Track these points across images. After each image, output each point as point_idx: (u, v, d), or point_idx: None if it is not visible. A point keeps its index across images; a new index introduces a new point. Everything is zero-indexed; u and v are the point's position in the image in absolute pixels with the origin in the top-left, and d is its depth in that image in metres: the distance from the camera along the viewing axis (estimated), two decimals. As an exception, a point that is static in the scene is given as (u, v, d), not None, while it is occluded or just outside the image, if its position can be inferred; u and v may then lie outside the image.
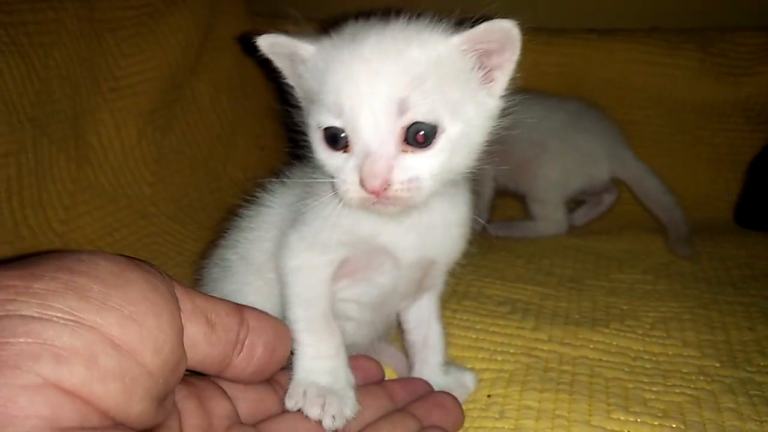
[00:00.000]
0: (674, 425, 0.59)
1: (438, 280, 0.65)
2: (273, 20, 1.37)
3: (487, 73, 0.52)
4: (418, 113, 0.48)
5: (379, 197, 0.49)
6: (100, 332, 0.33)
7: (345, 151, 0.51)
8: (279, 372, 0.52)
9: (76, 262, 0.35)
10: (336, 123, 0.50)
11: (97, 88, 0.98)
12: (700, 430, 0.59)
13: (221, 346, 0.44)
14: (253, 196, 0.68)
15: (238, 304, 0.47)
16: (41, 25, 0.88)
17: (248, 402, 0.50)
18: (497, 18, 0.50)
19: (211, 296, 0.45)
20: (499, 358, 0.71)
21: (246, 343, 0.46)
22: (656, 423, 0.60)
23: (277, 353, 0.49)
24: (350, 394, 0.53)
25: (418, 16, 0.52)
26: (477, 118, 0.52)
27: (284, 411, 0.52)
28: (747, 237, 1.09)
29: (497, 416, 0.61)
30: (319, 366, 0.53)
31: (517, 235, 1.12)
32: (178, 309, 0.39)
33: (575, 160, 1.11)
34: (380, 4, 0.56)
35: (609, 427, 0.59)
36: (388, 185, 0.48)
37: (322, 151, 0.52)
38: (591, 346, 0.73)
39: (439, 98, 0.49)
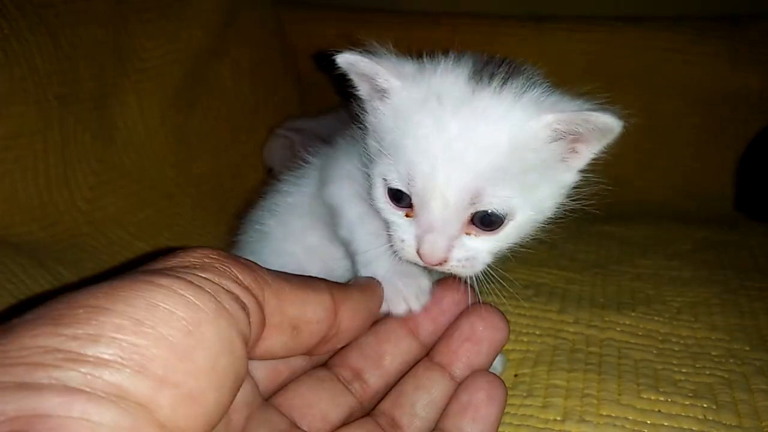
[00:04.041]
0: (705, 405, 0.59)
1: None
2: (294, 8, 1.38)
3: (570, 145, 0.48)
4: (491, 204, 0.46)
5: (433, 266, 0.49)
6: (149, 411, 0.30)
7: (407, 215, 0.49)
8: None
9: (146, 311, 0.31)
10: (404, 189, 0.48)
11: (122, 69, 0.98)
12: (732, 410, 0.58)
13: (301, 348, 0.42)
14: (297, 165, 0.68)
15: (335, 297, 0.43)
16: (69, 5, 0.89)
17: (265, 369, 0.48)
18: (603, 102, 0.47)
19: (308, 296, 0.42)
20: (525, 339, 0.71)
21: (331, 340, 0.44)
22: (687, 403, 0.59)
23: (362, 333, 0.48)
24: (420, 270, 0.52)
25: (512, 71, 0.47)
26: (550, 198, 0.50)
27: (305, 370, 0.50)
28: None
29: (525, 394, 0.61)
30: (383, 256, 0.53)
31: None
32: (245, 358, 0.35)
33: None
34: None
35: (639, 406, 0.59)
36: (446, 261, 0.48)
37: (381, 202, 0.50)
38: (618, 329, 0.73)
39: (516, 186, 0.46)
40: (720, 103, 1.19)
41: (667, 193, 1.18)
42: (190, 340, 0.32)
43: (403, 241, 0.49)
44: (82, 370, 0.29)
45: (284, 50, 1.35)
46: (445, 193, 0.46)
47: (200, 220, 1.04)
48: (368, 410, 0.50)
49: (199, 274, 0.35)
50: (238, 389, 0.35)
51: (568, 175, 0.50)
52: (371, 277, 0.52)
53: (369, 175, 0.52)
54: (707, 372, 0.64)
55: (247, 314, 0.36)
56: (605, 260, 0.93)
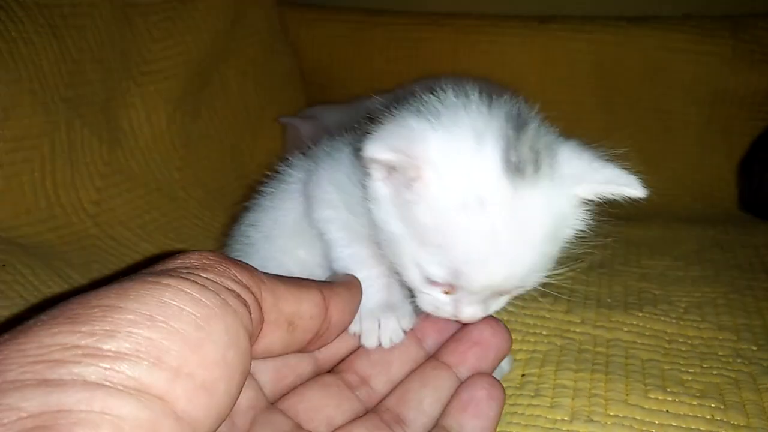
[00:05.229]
0: (713, 405, 0.59)
1: None
2: (298, 9, 1.39)
3: None
4: (533, 283, 0.48)
5: None
6: (166, 403, 0.31)
7: (446, 291, 0.49)
8: None
9: (158, 308, 0.32)
10: (447, 281, 0.47)
11: (128, 72, 0.99)
12: (739, 410, 0.58)
13: (296, 345, 0.43)
14: (275, 173, 0.68)
15: (324, 294, 0.45)
16: (76, 8, 0.89)
17: (269, 372, 0.49)
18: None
19: (301, 294, 0.43)
20: (532, 340, 0.71)
21: (323, 335, 0.45)
22: (695, 403, 0.59)
23: (347, 326, 0.49)
24: (407, 307, 0.53)
25: (535, 140, 0.46)
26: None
27: (315, 373, 0.51)
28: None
29: (533, 394, 0.61)
30: (372, 288, 0.54)
31: None
32: (250, 352, 0.36)
33: None
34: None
35: (647, 406, 0.59)
36: None
37: (415, 282, 0.49)
38: (625, 329, 0.73)
39: (552, 256, 0.47)
40: (725, 102, 1.19)
41: (673, 193, 1.18)
42: (201, 334, 0.33)
43: (437, 308, 0.50)
44: (102, 365, 0.29)
45: (289, 51, 1.36)
46: (496, 288, 0.47)
47: (206, 221, 1.04)
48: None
49: (202, 274, 0.36)
50: (244, 382, 0.36)
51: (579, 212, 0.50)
52: (349, 275, 0.53)
53: (386, 252, 0.50)
54: (714, 372, 0.64)
55: (249, 311, 0.37)
56: (611, 261, 0.93)
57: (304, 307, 0.43)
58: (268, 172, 0.69)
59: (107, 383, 0.29)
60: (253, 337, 0.38)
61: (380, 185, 0.48)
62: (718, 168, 1.19)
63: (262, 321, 0.39)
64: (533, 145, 0.45)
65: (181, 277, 0.35)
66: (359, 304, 0.50)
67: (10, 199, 0.78)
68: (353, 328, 0.52)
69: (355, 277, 0.52)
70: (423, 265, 0.47)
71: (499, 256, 0.44)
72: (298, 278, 0.46)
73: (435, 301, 0.49)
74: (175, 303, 0.33)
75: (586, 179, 0.46)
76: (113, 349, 0.30)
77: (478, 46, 1.28)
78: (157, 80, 1.02)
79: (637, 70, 1.21)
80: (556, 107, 1.35)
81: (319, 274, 0.61)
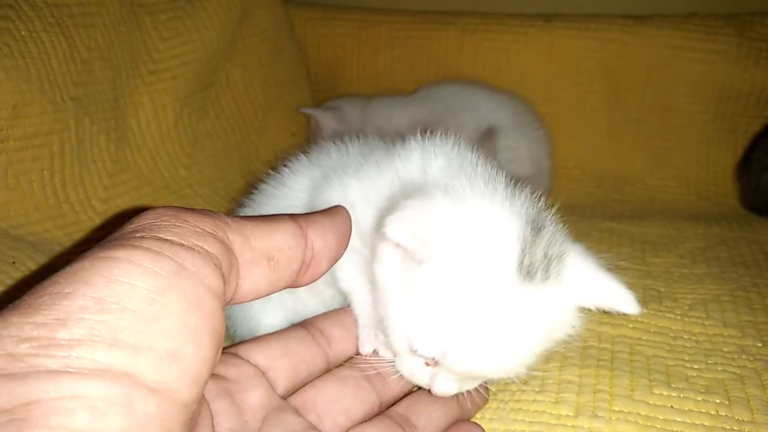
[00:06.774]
0: (718, 401, 0.59)
1: None
2: (304, 7, 1.39)
3: None
4: (510, 376, 0.49)
5: None
6: (134, 377, 0.30)
7: (427, 364, 0.49)
8: (320, 320, 0.54)
9: (108, 288, 0.32)
10: (432, 357, 0.47)
11: (136, 71, 0.99)
12: (744, 405, 0.59)
13: (285, 279, 0.43)
14: (275, 173, 0.68)
15: (300, 222, 0.44)
16: (84, 7, 0.90)
17: (284, 368, 0.49)
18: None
19: (273, 227, 0.42)
20: (537, 336, 0.71)
21: (311, 263, 0.44)
22: (700, 398, 0.59)
23: (339, 254, 0.48)
24: None
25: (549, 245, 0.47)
26: None
27: (325, 369, 0.52)
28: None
29: (537, 390, 0.62)
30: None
31: None
32: (218, 310, 0.36)
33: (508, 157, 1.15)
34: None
35: (652, 402, 0.59)
36: None
37: (398, 347, 0.49)
38: (630, 326, 0.73)
39: (539, 357, 0.49)
40: (731, 100, 1.19)
41: (678, 191, 1.18)
42: (155, 307, 0.32)
43: (413, 374, 0.51)
44: (59, 353, 0.29)
45: (295, 49, 1.36)
46: (477, 375, 0.49)
47: (213, 219, 1.05)
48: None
49: (159, 236, 0.35)
50: (219, 344, 0.36)
51: None
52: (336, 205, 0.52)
53: (379, 310, 0.51)
54: (719, 368, 0.65)
55: (217, 265, 0.36)
56: (616, 258, 0.93)
57: (278, 239, 0.42)
58: (270, 171, 0.69)
59: (70, 369, 0.29)
60: (229, 286, 0.37)
61: (390, 250, 0.48)
62: (723, 166, 1.19)
63: (236, 265, 0.39)
64: (547, 252, 0.46)
65: (134, 246, 0.34)
66: (348, 230, 0.49)
67: (19, 196, 0.79)
68: (368, 349, 0.53)
69: (341, 205, 0.51)
70: (412, 338, 0.47)
71: (490, 349, 0.45)
72: (270, 215, 0.45)
73: (413, 368, 0.50)
74: (125, 280, 0.32)
75: (588, 291, 0.49)
76: (67, 337, 0.30)
77: (483, 44, 1.28)
78: (164, 79, 1.03)
79: (643, 68, 1.21)
80: (562, 105, 1.37)
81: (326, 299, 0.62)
